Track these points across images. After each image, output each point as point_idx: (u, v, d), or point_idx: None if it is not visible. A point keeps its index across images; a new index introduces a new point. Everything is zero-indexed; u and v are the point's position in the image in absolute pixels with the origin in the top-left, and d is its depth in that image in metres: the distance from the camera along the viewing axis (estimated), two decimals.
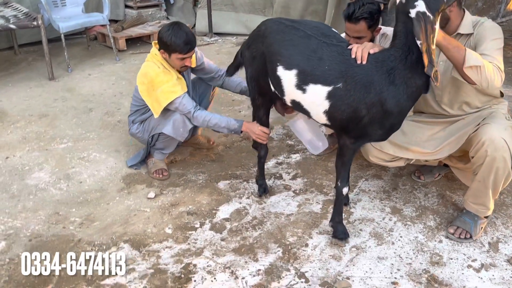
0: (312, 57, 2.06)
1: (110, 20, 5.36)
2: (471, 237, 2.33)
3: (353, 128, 2.10)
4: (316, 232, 2.44)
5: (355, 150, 2.23)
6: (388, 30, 2.70)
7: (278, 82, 2.17)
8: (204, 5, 5.81)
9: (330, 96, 2.04)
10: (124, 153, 3.23)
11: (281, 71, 2.13)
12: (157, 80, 2.65)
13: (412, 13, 1.84)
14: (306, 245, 2.35)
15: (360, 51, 2.02)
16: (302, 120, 2.70)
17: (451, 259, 2.24)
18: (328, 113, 2.09)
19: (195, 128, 3.00)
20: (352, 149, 2.20)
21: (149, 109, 2.87)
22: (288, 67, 2.11)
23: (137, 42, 5.71)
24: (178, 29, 2.58)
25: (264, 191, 2.76)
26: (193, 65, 2.90)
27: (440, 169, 2.82)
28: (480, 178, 2.24)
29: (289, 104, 2.26)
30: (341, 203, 2.34)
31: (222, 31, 5.89)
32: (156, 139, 2.92)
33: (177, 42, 2.56)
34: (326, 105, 2.06)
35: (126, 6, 6.32)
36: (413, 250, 2.30)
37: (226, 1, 5.80)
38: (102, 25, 5.19)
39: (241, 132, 2.66)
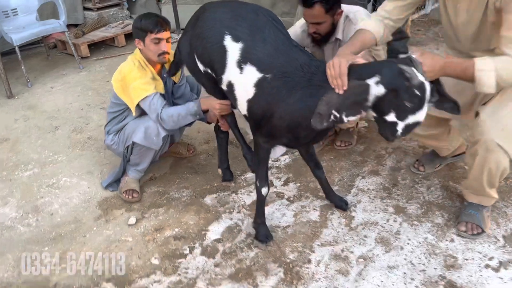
0: (257, 36, 1.89)
1: (69, 25, 5.01)
2: (483, 231, 2.16)
3: (265, 126, 1.94)
4: (318, 245, 2.23)
5: (269, 149, 2.10)
6: (352, 12, 2.48)
7: (221, 54, 1.95)
8: (169, 0, 5.47)
9: (257, 84, 1.87)
10: (97, 174, 2.94)
11: (228, 41, 1.93)
12: (130, 76, 2.47)
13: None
14: (309, 261, 2.13)
15: (337, 69, 1.65)
16: None
17: (467, 259, 2.06)
18: (249, 102, 1.94)
19: (172, 135, 2.75)
20: (264, 148, 2.08)
21: (126, 117, 2.65)
22: (235, 39, 1.91)
23: (101, 47, 5.35)
24: (149, 13, 2.53)
25: (231, 175, 2.72)
26: (176, 80, 2.70)
27: (442, 160, 2.64)
28: (472, 176, 2.10)
29: (223, 87, 2.07)
30: (262, 203, 2.23)
31: None
32: (131, 152, 2.65)
33: (147, 21, 2.43)
34: (251, 93, 1.90)
35: (85, 9, 5.93)
36: (424, 254, 2.11)
37: None
38: (61, 32, 4.81)
39: (205, 112, 2.45)
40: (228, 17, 1.97)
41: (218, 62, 2.01)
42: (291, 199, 2.58)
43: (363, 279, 2.01)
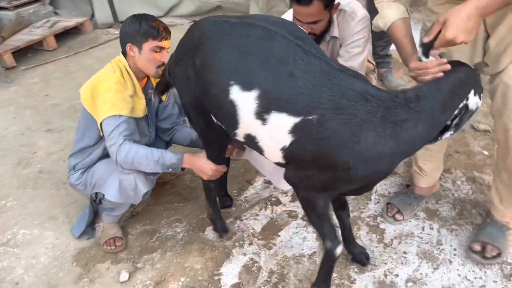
0: (280, 70, 1.37)
1: None
2: (499, 254, 1.87)
3: (319, 177, 1.48)
4: (355, 272, 1.92)
5: (326, 201, 1.59)
6: (346, 4, 2.12)
7: (230, 110, 1.48)
8: None
9: (296, 130, 1.38)
10: (63, 218, 2.41)
11: (236, 93, 1.43)
12: (104, 85, 1.95)
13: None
14: None
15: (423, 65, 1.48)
16: None
17: None
18: (286, 150, 1.46)
19: None
20: (321, 200, 1.56)
21: (100, 157, 2.13)
22: (246, 87, 1.41)
23: (28, 53, 4.55)
24: (146, 15, 2.00)
25: (224, 230, 2.19)
26: (163, 98, 2.20)
27: (418, 200, 2.18)
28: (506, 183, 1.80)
29: (240, 139, 1.59)
30: (331, 268, 1.73)
31: None
32: (101, 197, 2.15)
33: (149, 24, 1.93)
34: (286, 140, 1.42)
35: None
36: (477, 265, 1.87)
37: None
38: None
39: (183, 169, 1.98)
40: (232, 57, 1.45)
41: (227, 118, 1.54)
42: (306, 218, 2.23)
43: None
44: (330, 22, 2.08)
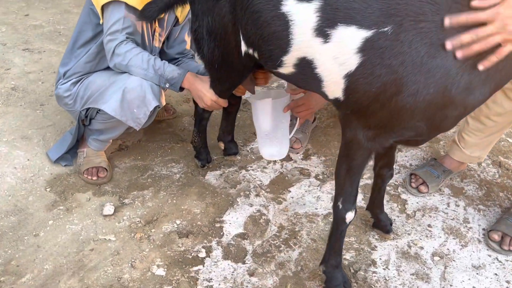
0: None
1: None
2: None
3: (377, 111, 1.19)
4: (376, 238, 1.71)
5: (371, 152, 1.31)
6: None
7: (279, 29, 1.22)
8: None
9: (365, 47, 1.11)
10: (38, 140, 2.06)
11: (291, 4, 1.18)
12: None
13: None
14: (373, 262, 1.61)
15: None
16: (275, 102, 1.77)
17: None
18: (350, 78, 1.17)
19: None
20: (366, 149, 1.29)
21: (95, 58, 1.79)
22: None
23: None
24: None
25: (207, 161, 2.00)
26: (181, 19, 1.90)
27: (447, 173, 1.98)
28: None
29: (288, 69, 1.30)
30: (341, 236, 1.45)
31: None
32: (93, 115, 1.83)
33: None
34: (352, 63, 1.14)
35: None
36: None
37: None
38: None
39: (181, 89, 1.72)
40: None
41: (274, 40, 1.25)
42: (321, 177, 2.00)
43: (450, 285, 1.54)
44: None
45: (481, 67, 1.04)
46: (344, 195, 1.38)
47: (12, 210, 1.69)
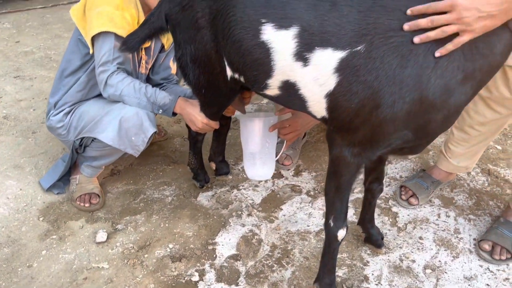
0: (321, 1, 1.17)
1: None
2: (510, 258, 1.70)
3: (361, 127, 1.23)
4: (368, 253, 1.72)
5: (358, 167, 1.33)
6: None
7: (261, 56, 1.26)
8: None
9: (341, 67, 1.16)
10: (30, 168, 2.08)
11: (270, 33, 1.21)
12: None
13: None
14: (366, 278, 1.62)
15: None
16: (263, 121, 1.80)
17: None
18: (331, 97, 1.22)
19: None
20: (353, 164, 1.31)
21: (85, 87, 1.81)
22: (283, 25, 1.20)
23: None
24: None
25: (205, 181, 2.03)
26: (166, 45, 1.95)
27: (435, 184, 2.00)
28: None
29: (274, 91, 1.34)
30: (334, 254, 1.47)
31: None
32: (87, 143, 1.85)
33: None
34: (331, 83, 1.19)
35: None
36: None
37: None
38: None
39: (174, 114, 1.75)
40: None
41: (256, 66, 1.29)
42: (312, 193, 2.02)
43: None
44: None
45: (437, 53, 1.07)
46: (334, 213, 1.40)
47: (5, 241, 1.70)
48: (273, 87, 1.32)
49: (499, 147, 2.32)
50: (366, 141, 1.25)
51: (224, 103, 1.65)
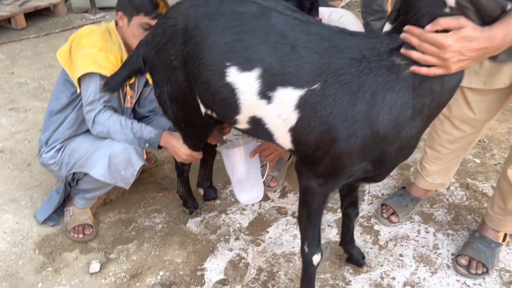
0: (281, 44, 1.26)
1: None
2: (487, 271, 1.77)
3: (322, 159, 1.32)
4: (350, 273, 1.80)
5: (325, 196, 1.44)
6: (335, 20, 2.03)
7: (227, 96, 1.35)
8: None
9: (300, 104, 1.26)
10: (25, 202, 2.16)
11: (234, 75, 1.31)
12: (87, 40, 1.78)
13: None
14: None
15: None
16: (243, 149, 1.88)
17: None
18: (294, 131, 1.31)
19: None
20: (320, 194, 1.42)
21: (74, 124, 1.91)
22: (246, 67, 1.29)
23: None
24: None
25: (194, 207, 2.11)
26: (151, 80, 2.01)
27: (415, 202, 2.07)
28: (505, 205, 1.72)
29: (243, 125, 1.43)
30: (311, 278, 1.57)
31: (108, 4, 4.68)
32: (79, 177, 1.93)
33: None
34: (293, 118, 1.29)
35: None
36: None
37: None
38: None
39: (159, 147, 1.85)
40: (227, 37, 1.32)
41: (225, 104, 1.39)
42: (297, 215, 2.09)
43: None
44: None
45: (412, 68, 1.13)
46: (308, 239, 1.50)
47: (3, 275, 1.78)
48: (242, 122, 1.42)
49: (477, 161, 2.41)
50: (329, 173, 1.35)
51: (203, 136, 1.74)
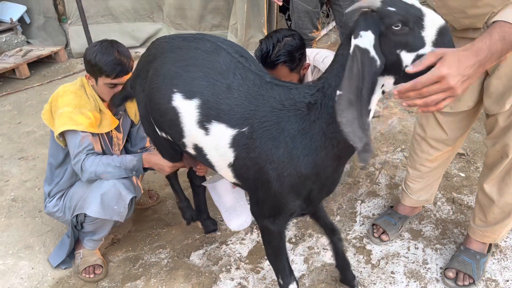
0: (219, 82, 1.43)
1: None
2: (474, 281, 1.87)
3: (264, 197, 1.47)
4: None
5: (280, 233, 1.56)
6: (319, 61, 2.21)
7: (174, 118, 1.52)
8: (76, 20, 4.76)
9: (234, 143, 1.42)
10: (39, 247, 2.30)
11: (179, 100, 1.48)
12: (62, 100, 1.95)
13: (352, 43, 1.13)
14: None
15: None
16: (226, 181, 2.01)
17: (507, 281, 1.89)
18: (233, 168, 1.48)
19: None
20: (274, 231, 1.55)
21: (73, 176, 2.08)
22: (188, 96, 1.46)
23: None
24: (109, 45, 1.92)
25: (192, 219, 2.21)
26: (136, 120, 2.22)
27: (402, 220, 2.19)
28: (492, 219, 1.81)
29: (190, 151, 1.60)
30: None
31: None
32: (82, 220, 2.07)
33: (103, 60, 1.88)
34: (230, 156, 1.45)
35: None
36: None
37: (102, 12, 4.83)
38: None
39: (145, 169, 2.00)
40: (177, 68, 1.51)
41: (172, 126, 1.56)
42: (293, 240, 2.22)
43: None
44: (301, 81, 2.12)
45: (422, 111, 1.14)
46: (280, 272, 1.65)
47: None
48: (189, 147, 1.59)
49: (462, 174, 2.53)
50: (274, 212, 1.50)
51: (172, 152, 1.87)
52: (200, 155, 1.56)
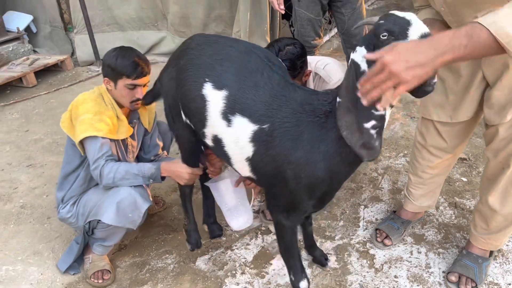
0: (248, 80, 1.52)
1: None
2: (476, 285, 1.90)
3: (281, 193, 1.55)
4: None
5: (292, 229, 1.65)
6: (320, 68, 2.26)
7: (200, 105, 1.60)
8: (82, 29, 4.84)
9: (254, 138, 1.49)
10: (48, 253, 2.35)
11: (208, 89, 1.57)
12: (83, 107, 2.01)
13: (350, 57, 1.28)
14: None
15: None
16: (228, 181, 2.09)
17: (509, 284, 1.91)
18: (251, 162, 1.55)
19: None
20: (287, 227, 1.63)
21: (85, 182, 2.14)
22: (218, 86, 1.55)
23: (6, 89, 4.53)
24: (128, 49, 2.02)
25: (196, 245, 2.22)
26: (149, 128, 2.28)
27: (406, 224, 2.23)
28: (494, 227, 1.83)
29: (209, 142, 1.67)
30: None
31: None
32: (94, 226, 2.12)
33: (124, 62, 1.96)
34: (249, 150, 1.52)
35: None
36: None
37: (107, 21, 4.89)
38: None
39: (163, 178, 2.05)
40: (212, 60, 1.60)
41: (197, 114, 1.64)
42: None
43: None
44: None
45: (380, 107, 1.20)
46: (292, 269, 1.71)
47: None
48: (208, 138, 1.65)
49: (464, 179, 2.55)
50: (289, 208, 1.57)
51: (195, 147, 1.91)
52: (218, 147, 1.63)
